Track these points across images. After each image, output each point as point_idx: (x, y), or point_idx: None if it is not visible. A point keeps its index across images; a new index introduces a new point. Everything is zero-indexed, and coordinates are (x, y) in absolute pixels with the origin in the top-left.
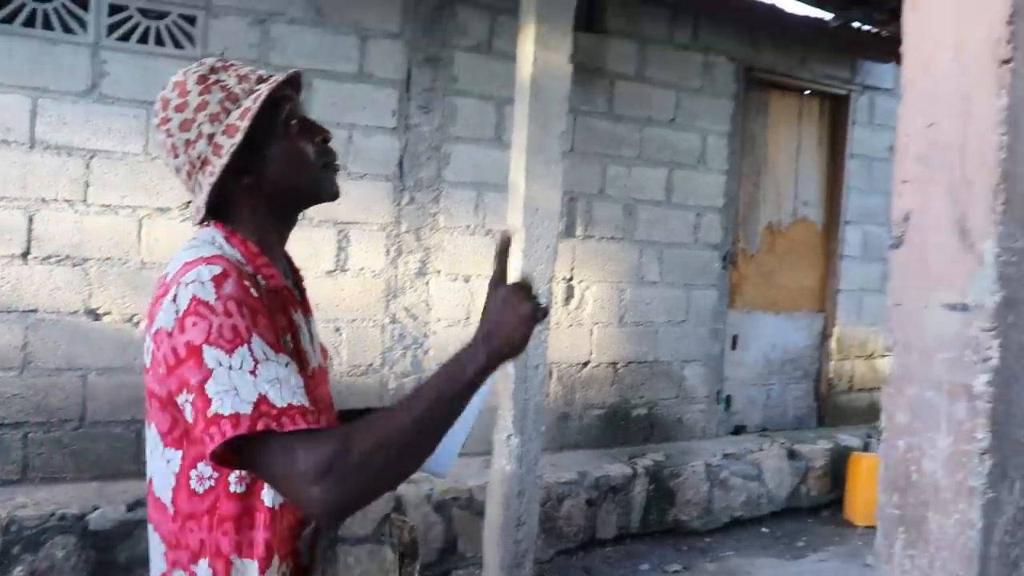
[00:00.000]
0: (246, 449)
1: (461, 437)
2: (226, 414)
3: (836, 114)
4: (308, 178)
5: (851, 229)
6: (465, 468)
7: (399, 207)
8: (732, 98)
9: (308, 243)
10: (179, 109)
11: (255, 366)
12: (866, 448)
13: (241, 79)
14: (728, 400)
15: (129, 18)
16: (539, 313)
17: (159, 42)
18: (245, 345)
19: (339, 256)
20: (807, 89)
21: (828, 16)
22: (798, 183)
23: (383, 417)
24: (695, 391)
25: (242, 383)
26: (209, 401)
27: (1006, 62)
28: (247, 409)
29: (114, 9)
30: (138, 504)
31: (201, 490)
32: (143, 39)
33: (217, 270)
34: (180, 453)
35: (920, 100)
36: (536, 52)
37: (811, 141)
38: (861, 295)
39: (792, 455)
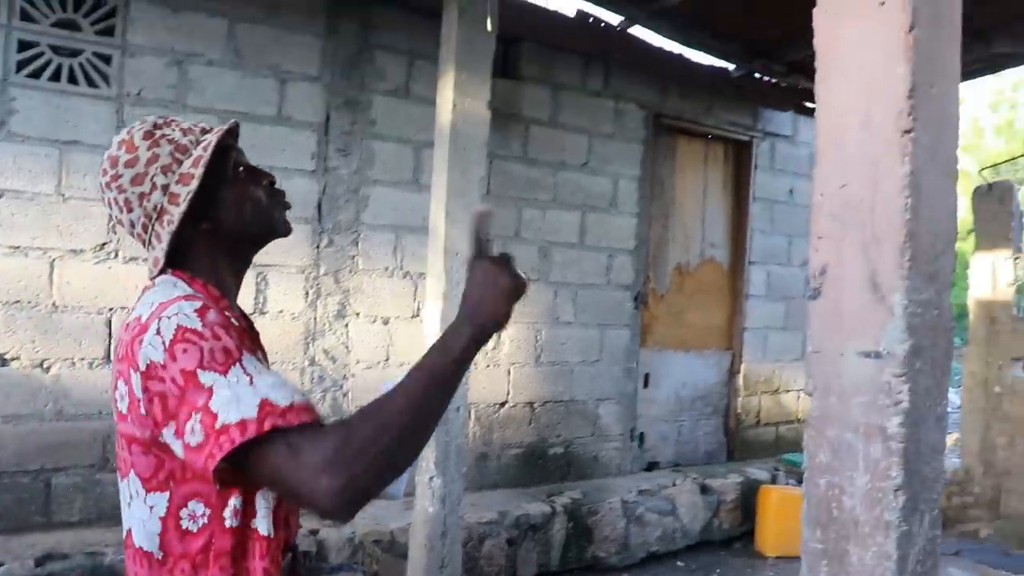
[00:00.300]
0: (252, 457)
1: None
2: (233, 422)
3: (740, 159)
4: (262, 219)
5: (755, 269)
6: (386, 510)
7: (318, 249)
8: (642, 143)
9: None
10: (129, 164)
11: (251, 379)
12: (774, 480)
13: (185, 132)
14: (641, 437)
15: (40, 55)
16: (519, 287)
17: (72, 80)
18: (237, 364)
19: (258, 299)
20: (712, 135)
21: (731, 67)
22: (705, 225)
23: (380, 403)
24: (609, 429)
25: (244, 393)
26: (215, 416)
27: (908, 132)
28: (252, 413)
29: (24, 45)
30: (47, 558)
31: (195, 528)
32: (55, 77)
33: (198, 304)
34: (166, 495)
35: (833, 164)
36: (456, 99)
37: (717, 185)
38: (766, 332)
39: (704, 490)
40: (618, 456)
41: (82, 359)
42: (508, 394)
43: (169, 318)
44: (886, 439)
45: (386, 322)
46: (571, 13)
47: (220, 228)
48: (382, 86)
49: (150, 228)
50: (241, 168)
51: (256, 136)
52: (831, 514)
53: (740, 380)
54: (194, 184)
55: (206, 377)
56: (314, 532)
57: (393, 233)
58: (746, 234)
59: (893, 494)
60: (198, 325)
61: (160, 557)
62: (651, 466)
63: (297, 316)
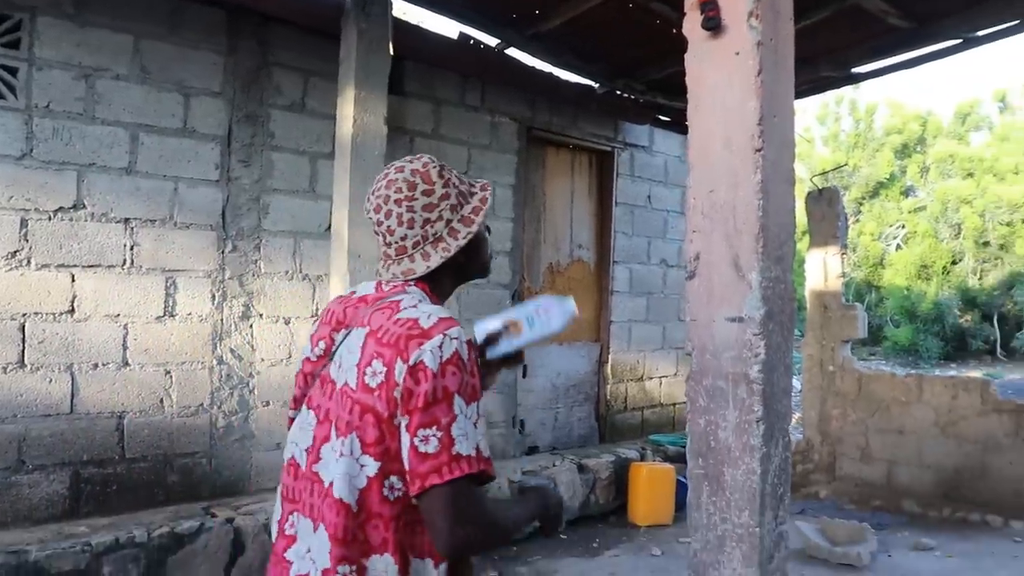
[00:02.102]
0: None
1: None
2: (464, 454)
3: (603, 167)
4: (487, 265)
5: (619, 268)
6: None
7: (223, 255)
8: (516, 153)
9: (138, 290)
10: (426, 194)
11: (477, 420)
12: (642, 458)
13: (461, 182)
14: (522, 424)
15: None
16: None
17: None
18: (476, 402)
19: (168, 302)
20: (578, 146)
21: (596, 85)
22: (573, 228)
23: (507, 514)
24: (494, 416)
25: (471, 432)
26: (453, 441)
27: (759, 151)
28: (473, 453)
29: None
30: None
31: (392, 497)
32: None
33: (466, 336)
34: (379, 464)
35: (703, 174)
36: (356, 114)
37: (583, 191)
38: (630, 325)
39: (581, 469)
40: (502, 442)
41: None
42: None
43: (451, 340)
44: (749, 383)
45: (287, 322)
46: (453, 35)
47: (465, 264)
48: (280, 101)
49: (421, 246)
50: (486, 224)
51: (163, 148)
52: (709, 445)
53: (608, 369)
54: (474, 227)
55: (458, 403)
56: None
57: (292, 239)
58: (610, 236)
59: (756, 424)
60: (466, 356)
61: (356, 511)
62: (531, 450)
63: (205, 318)
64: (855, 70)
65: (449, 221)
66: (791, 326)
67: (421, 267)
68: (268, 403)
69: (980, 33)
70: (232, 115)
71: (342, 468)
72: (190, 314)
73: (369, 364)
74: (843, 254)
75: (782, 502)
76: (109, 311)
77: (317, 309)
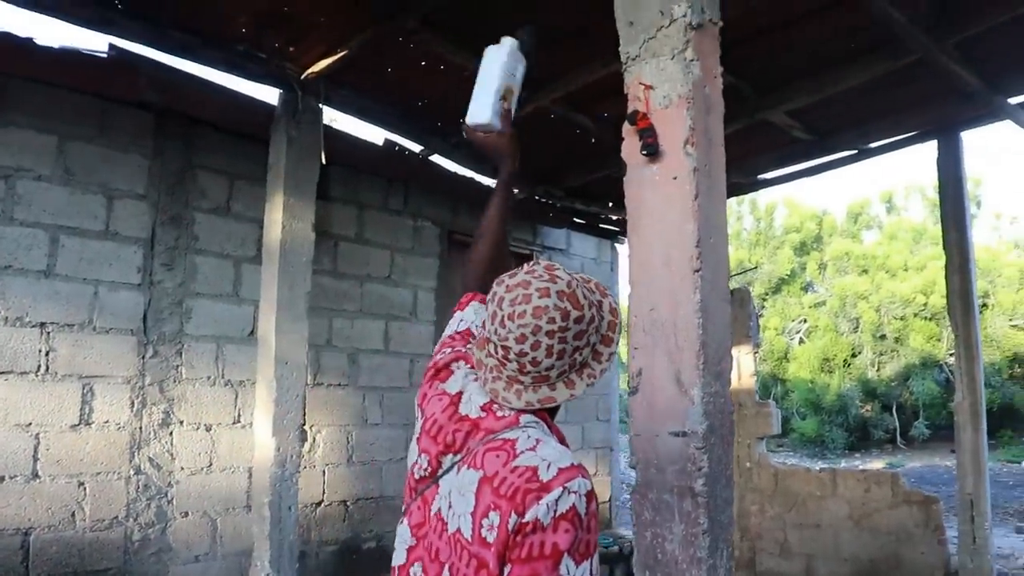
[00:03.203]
0: None
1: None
2: None
3: None
4: None
5: None
6: None
7: (143, 360)
8: (437, 257)
9: (52, 397)
10: (577, 321)
11: None
12: None
13: (591, 291)
14: None
15: None
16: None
17: None
18: (589, 560)
19: (84, 409)
20: None
21: (514, 190)
22: None
23: None
24: None
25: None
26: None
27: (697, 271)
28: None
29: None
30: None
31: None
32: None
33: (589, 486)
34: None
35: (644, 292)
36: (284, 220)
37: None
38: None
39: None
40: None
41: None
42: (324, 493)
43: (570, 494)
44: (694, 496)
45: (208, 429)
46: (379, 141)
47: None
48: (205, 204)
49: (567, 374)
50: None
51: (84, 250)
52: (656, 558)
53: None
54: (614, 347)
55: (565, 564)
56: None
57: (215, 343)
58: None
59: (702, 536)
60: (583, 512)
61: None
62: None
63: (123, 426)
64: (762, 176)
65: (594, 345)
66: (731, 439)
67: (564, 395)
68: (187, 514)
69: (872, 145)
70: (156, 218)
71: None
72: (107, 422)
73: (486, 516)
74: (755, 352)
75: None
76: (20, 420)
77: (239, 415)
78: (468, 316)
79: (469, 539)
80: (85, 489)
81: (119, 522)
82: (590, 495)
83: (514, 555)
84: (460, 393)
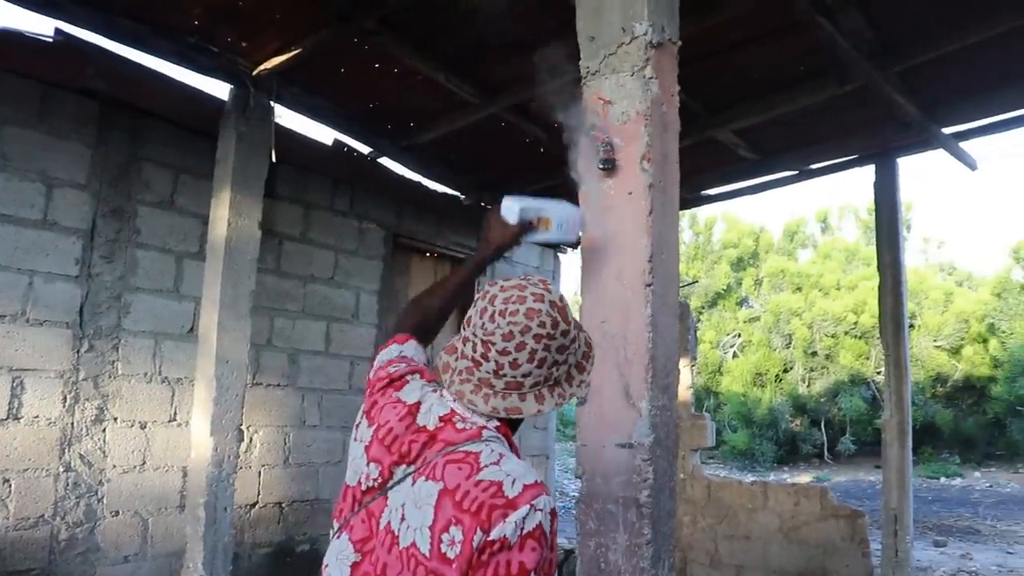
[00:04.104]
0: None
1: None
2: None
3: None
4: None
5: None
6: None
7: (78, 354)
8: (382, 260)
9: None
10: (564, 335)
11: None
12: None
13: (576, 319)
14: None
15: None
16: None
17: None
18: None
19: (12, 404)
20: (442, 254)
21: (463, 196)
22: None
23: None
24: None
25: None
26: None
27: (649, 285)
28: None
29: None
30: None
31: None
32: None
33: (552, 503)
34: None
35: (595, 305)
36: (231, 217)
37: None
38: None
39: None
40: None
41: None
42: (259, 495)
43: (536, 511)
44: (639, 507)
45: (143, 426)
46: (327, 141)
47: None
48: (148, 197)
49: (539, 387)
50: None
51: (19, 239)
52: (600, 567)
53: None
54: (587, 376)
55: None
56: None
57: (153, 339)
58: None
59: (645, 547)
60: (548, 531)
61: None
62: None
63: (53, 421)
64: (705, 192)
65: (569, 366)
66: (675, 451)
67: (531, 408)
68: (118, 513)
69: (813, 167)
70: (97, 209)
71: None
72: (37, 417)
73: (446, 530)
74: (693, 366)
75: None
76: None
77: (176, 413)
78: (408, 351)
79: (427, 554)
80: (10, 486)
81: (45, 521)
82: (553, 512)
83: (479, 574)
84: (419, 403)
